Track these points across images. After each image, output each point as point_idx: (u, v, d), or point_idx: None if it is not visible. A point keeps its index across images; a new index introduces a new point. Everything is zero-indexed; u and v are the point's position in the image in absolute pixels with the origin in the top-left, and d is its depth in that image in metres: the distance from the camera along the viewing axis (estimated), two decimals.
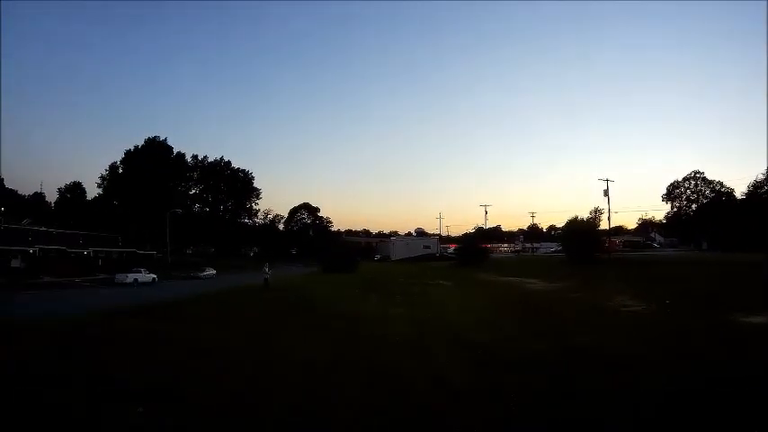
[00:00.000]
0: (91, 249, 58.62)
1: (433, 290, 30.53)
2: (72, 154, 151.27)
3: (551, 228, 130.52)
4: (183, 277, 52.38)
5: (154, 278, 44.31)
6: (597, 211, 45.39)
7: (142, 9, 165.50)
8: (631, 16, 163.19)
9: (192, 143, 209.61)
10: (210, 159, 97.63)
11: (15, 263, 46.80)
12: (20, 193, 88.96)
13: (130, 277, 41.50)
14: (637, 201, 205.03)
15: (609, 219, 59.43)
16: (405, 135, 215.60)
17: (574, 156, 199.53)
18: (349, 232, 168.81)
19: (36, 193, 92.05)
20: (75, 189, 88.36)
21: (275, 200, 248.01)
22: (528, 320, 16.23)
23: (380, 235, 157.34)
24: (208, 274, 54.98)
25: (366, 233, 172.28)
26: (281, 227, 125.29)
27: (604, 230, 58.65)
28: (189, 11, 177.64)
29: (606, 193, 58.48)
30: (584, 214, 50.07)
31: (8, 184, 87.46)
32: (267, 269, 35.35)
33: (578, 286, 29.50)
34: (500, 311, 18.75)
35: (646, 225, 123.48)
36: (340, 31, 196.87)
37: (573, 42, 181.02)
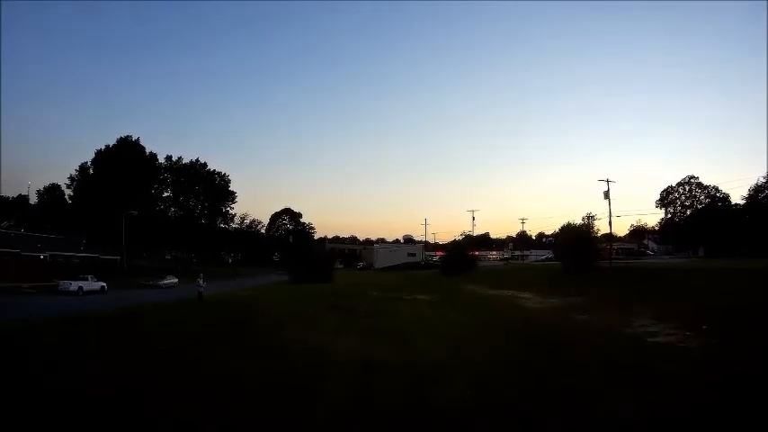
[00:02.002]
0: (48, 253, 54.42)
1: (407, 308, 25.15)
2: (59, 155, 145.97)
3: (541, 235, 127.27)
4: (141, 285, 48.39)
5: (103, 286, 42.27)
6: (590, 217, 42.38)
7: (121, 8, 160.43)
8: (626, 17, 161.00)
9: (172, 148, 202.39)
10: (186, 161, 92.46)
11: None
12: (3, 194, 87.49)
13: (74, 285, 39.18)
14: (627, 207, 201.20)
15: (610, 222, 54.63)
16: (393, 140, 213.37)
17: (564, 161, 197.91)
18: (336, 239, 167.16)
19: (20, 195, 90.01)
20: (54, 191, 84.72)
21: (257, 206, 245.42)
22: (529, 364, 10.97)
23: (368, 242, 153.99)
24: (168, 283, 50.96)
25: (353, 240, 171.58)
26: (263, 232, 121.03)
27: (602, 236, 54.75)
28: (168, 8, 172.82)
29: (607, 194, 53.89)
30: (576, 220, 46.83)
31: None
32: (201, 281, 30.97)
33: (583, 303, 24.34)
34: (488, 345, 13.74)
35: (638, 232, 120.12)
36: (324, 32, 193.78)
37: (564, 44, 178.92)
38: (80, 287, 39.19)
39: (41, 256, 52.80)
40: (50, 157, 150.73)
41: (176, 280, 53.82)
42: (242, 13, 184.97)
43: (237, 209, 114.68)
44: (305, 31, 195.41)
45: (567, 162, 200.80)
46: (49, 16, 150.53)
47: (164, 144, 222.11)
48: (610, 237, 55.09)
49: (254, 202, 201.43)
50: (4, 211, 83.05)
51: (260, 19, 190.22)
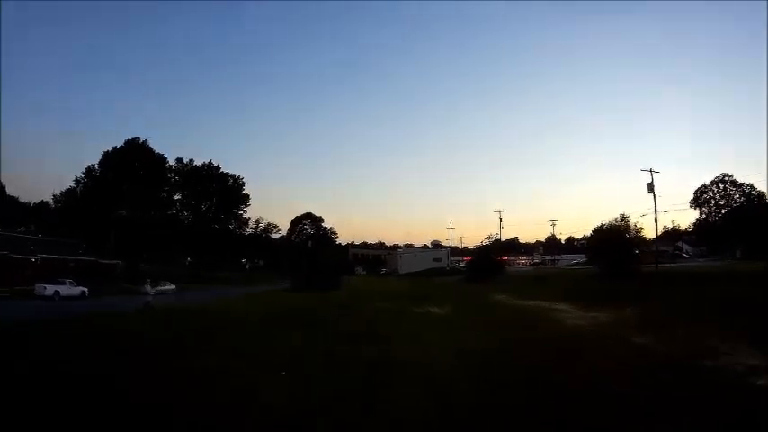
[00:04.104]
0: (39, 256, 51.21)
1: (409, 326, 19.21)
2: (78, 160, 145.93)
3: (570, 239, 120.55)
4: (132, 292, 44.35)
5: (83, 291, 39.99)
6: (624, 218, 38.73)
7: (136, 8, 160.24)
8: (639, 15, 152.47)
9: (186, 152, 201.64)
10: (198, 164, 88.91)
11: None
12: (21, 200, 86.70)
13: (50, 289, 37.01)
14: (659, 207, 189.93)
15: (656, 219, 48.93)
16: (420, 144, 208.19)
17: (595, 163, 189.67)
18: (363, 245, 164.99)
19: (41, 201, 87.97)
20: (70, 195, 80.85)
21: (279, 211, 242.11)
22: None
23: (396, 248, 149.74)
24: (163, 289, 46.93)
25: (381, 245, 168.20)
26: (279, 237, 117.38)
27: (636, 238, 49.11)
28: (184, 9, 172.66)
29: (651, 187, 48.09)
30: (608, 221, 42.36)
31: (12, 192, 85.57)
32: (149, 288, 26.37)
33: (634, 319, 18.42)
34: (517, 392, 8.48)
35: (671, 233, 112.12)
36: (345, 33, 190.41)
37: (589, 44, 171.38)
38: (56, 291, 37.02)
39: (33, 259, 50.05)
40: (75, 163, 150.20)
41: (173, 287, 50.88)
42: (257, 14, 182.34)
43: (257, 214, 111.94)
44: (324, 30, 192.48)
45: (598, 163, 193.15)
46: (60, 17, 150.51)
47: (178, 150, 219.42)
48: (656, 238, 49.76)
49: (276, 208, 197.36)
50: (23, 217, 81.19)
51: (275, 19, 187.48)
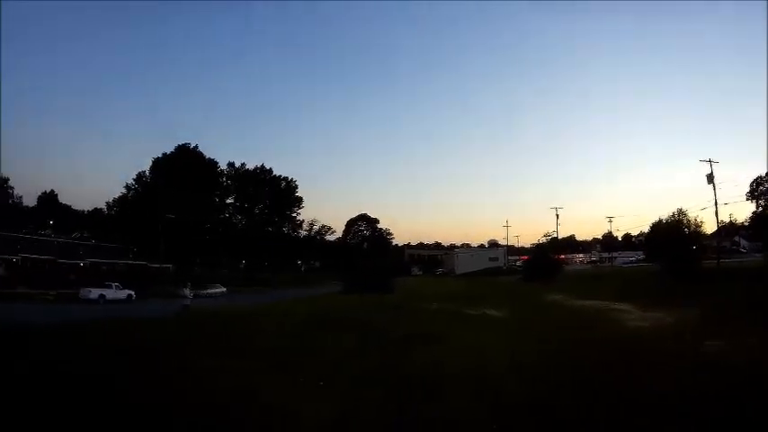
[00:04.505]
0: (88, 261, 53.14)
1: (463, 329, 17.09)
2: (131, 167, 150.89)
3: (627, 236, 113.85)
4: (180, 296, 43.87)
5: (130, 295, 39.40)
6: (681, 213, 36.72)
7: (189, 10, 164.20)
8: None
9: (239, 156, 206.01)
10: (250, 167, 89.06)
11: None
12: (75, 208, 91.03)
13: (95, 293, 36.91)
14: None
15: (717, 213, 43.93)
16: (476, 143, 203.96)
17: (652, 158, 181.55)
18: (420, 245, 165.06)
19: (95, 208, 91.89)
20: (122, 202, 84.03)
21: (335, 213, 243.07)
22: None
23: (453, 248, 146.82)
24: (214, 292, 47.48)
25: (438, 246, 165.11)
26: (331, 238, 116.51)
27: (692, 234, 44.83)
28: (235, 12, 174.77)
29: (711, 178, 43.19)
30: (665, 217, 40.23)
31: (64, 200, 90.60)
32: (188, 291, 25.75)
33: (701, 320, 16.80)
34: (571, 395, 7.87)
35: (728, 228, 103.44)
36: (397, 33, 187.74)
37: (638, 41, 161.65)
38: (101, 295, 36.86)
39: (81, 264, 51.36)
40: (129, 170, 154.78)
41: (223, 289, 50.44)
42: (310, 13, 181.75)
43: (312, 215, 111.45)
44: (375, 28, 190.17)
45: (654, 158, 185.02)
46: (114, 20, 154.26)
47: (232, 154, 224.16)
48: (719, 231, 46.30)
49: (331, 210, 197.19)
50: (77, 223, 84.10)
51: (328, 18, 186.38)
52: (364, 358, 11.61)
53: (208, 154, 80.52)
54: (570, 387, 8.54)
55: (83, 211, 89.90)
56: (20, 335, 14.64)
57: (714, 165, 43.73)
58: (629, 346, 12.76)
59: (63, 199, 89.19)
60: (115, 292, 37.77)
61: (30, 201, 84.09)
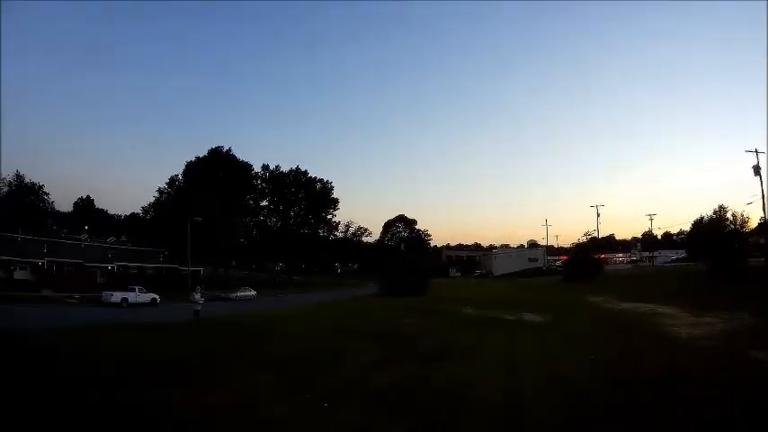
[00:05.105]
0: (116, 264, 53.12)
1: (500, 339, 15.43)
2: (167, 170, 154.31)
3: (667, 234, 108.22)
4: (213, 299, 42.98)
5: (154, 298, 38.57)
6: (722, 209, 36.35)
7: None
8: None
9: (275, 158, 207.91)
10: (285, 169, 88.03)
11: (20, 274, 44.38)
12: (110, 212, 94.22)
13: (117, 296, 36.05)
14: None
15: (764, 207, 39.16)
16: (515, 143, 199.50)
17: (693, 154, 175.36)
18: (458, 246, 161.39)
19: (132, 213, 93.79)
20: (155, 206, 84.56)
21: (372, 215, 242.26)
22: None
23: (491, 248, 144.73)
24: (244, 295, 47.30)
25: (477, 247, 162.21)
26: (369, 240, 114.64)
27: (744, 232, 41.51)
28: (267, 14, 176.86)
29: (757, 170, 39.18)
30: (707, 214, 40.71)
31: (101, 206, 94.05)
32: (199, 296, 23.69)
33: (757, 327, 15.72)
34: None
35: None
36: (435, 33, 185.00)
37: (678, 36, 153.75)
38: (124, 298, 35.90)
39: (109, 267, 51.27)
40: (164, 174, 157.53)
41: (254, 292, 49.62)
42: (344, 13, 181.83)
43: (349, 217, 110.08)
44: (415, 29, 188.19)
45: (695, 154, 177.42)
46: (143, 18, 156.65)
47: (269, 156, 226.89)
48: (766, 226, 40.85)
49: (369, 211, 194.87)
50: (112, 227, 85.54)
51: (362, 18, 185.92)
52: (383, 375, 10.45)
53: (242, 157, 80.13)
54: (622, 408, 7.64)
55: (119, 216, 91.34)
56: None
57: (763, 152, 39.63)
58: (682, 359, 11.47)
59: (99, 204, 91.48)
60: (138, 296, 37.04)
61: (66, 207, 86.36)
